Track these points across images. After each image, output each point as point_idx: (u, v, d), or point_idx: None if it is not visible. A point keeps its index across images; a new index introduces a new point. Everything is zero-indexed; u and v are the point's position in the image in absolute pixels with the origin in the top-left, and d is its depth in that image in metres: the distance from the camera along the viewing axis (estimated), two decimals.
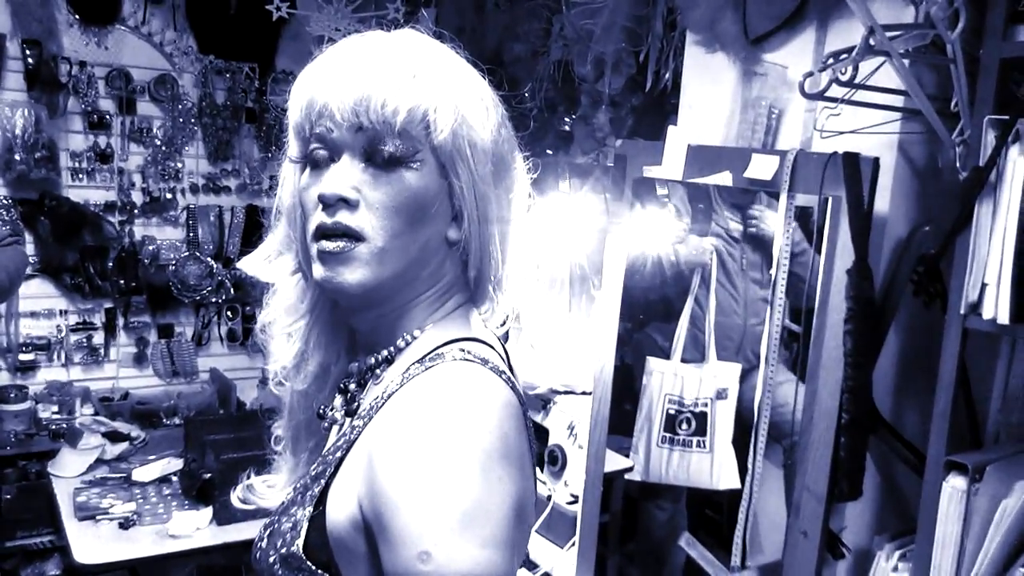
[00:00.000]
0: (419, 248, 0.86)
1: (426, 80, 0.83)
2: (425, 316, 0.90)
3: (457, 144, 0.84)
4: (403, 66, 0.83)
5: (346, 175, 0.83)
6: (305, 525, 0.81)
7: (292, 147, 0.91)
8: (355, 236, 0.83)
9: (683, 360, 2.40)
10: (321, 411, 0.97)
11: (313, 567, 0.80)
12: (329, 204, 0.83)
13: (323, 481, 0.83)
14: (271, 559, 0.83)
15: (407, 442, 0.75)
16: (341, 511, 0.80)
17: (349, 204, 0.83)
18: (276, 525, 0.85)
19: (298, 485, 0.88)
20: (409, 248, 0.85)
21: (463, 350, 0.84)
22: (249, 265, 0.97)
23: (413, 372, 0.83)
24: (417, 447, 0.74)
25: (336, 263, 0.84)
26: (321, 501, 0.82)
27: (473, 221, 0.88)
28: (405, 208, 0.83)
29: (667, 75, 2.78)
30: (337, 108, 0.82)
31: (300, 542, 0.81)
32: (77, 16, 3.45)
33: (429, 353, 0.85)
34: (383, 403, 0.82)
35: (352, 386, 0.94)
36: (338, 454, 0.84)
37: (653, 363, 2.40)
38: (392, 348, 0.90)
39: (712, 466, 2.34)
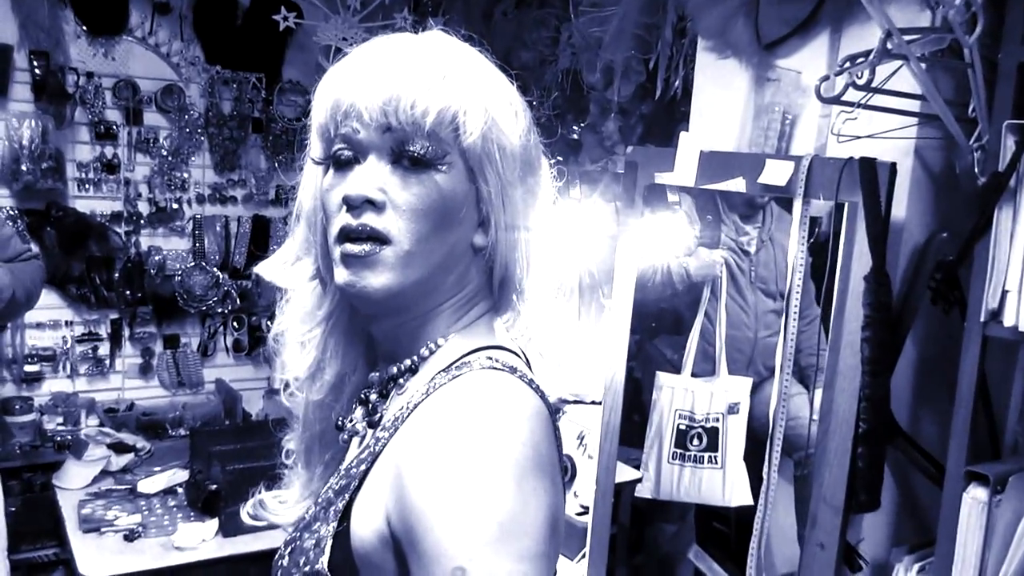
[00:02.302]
0: (445, 253, 0.84)
1: (456, 82, 0.81)
2: (449, 324, 0.88)
3: (486, 148, 0.83)
4: (433, 67, 0.81)
5: (373, 176, 0.82)
6: (329, 542, 0.79)
7: (315, 148, 0.89)
8: (381, 239, 0.81)
9: (693, 374, 2.38)
10: (340, 423, 0.94)
11: None
12: (355, 205, 0.81)
13: (347, 496, 0.80)
14: None
15: (438, 454, 0.73)
16: (367, 526, 0.77)
17: (375, 206, 0.81)
18: (298, 542, 0.82)
19: (320, 500, 0.86)
20: (435, 252, 0.83)
21: (491, 358, 0.82)
22: (266, 270, 0.96)
23: (439, 381, 0.81)
24: (448, 459, 0.72)
25: (361, 267, 0.82)
26: (345, 517, 0.79)
27: (500, 227, 0.86)
28: (433, 211, 0.82)
29: (677, 82, 2.77)
30: (365, 108, 0.81)
31: (325, 559, 0.78)
32: (84, 27, 3.46)
33: (455, 362, 0.83)
34: (409, 414, 0.80)
35: (373, 396, 0.91)
36: (362, 467, 0.81)
37: (663, 378, 2.38)
38: (416, 357, 0.88)
39: (724, 482, 2.31)
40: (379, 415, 0.89)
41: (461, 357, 0.84)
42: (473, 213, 0.85)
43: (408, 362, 0.88)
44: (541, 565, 0.70)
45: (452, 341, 0.87)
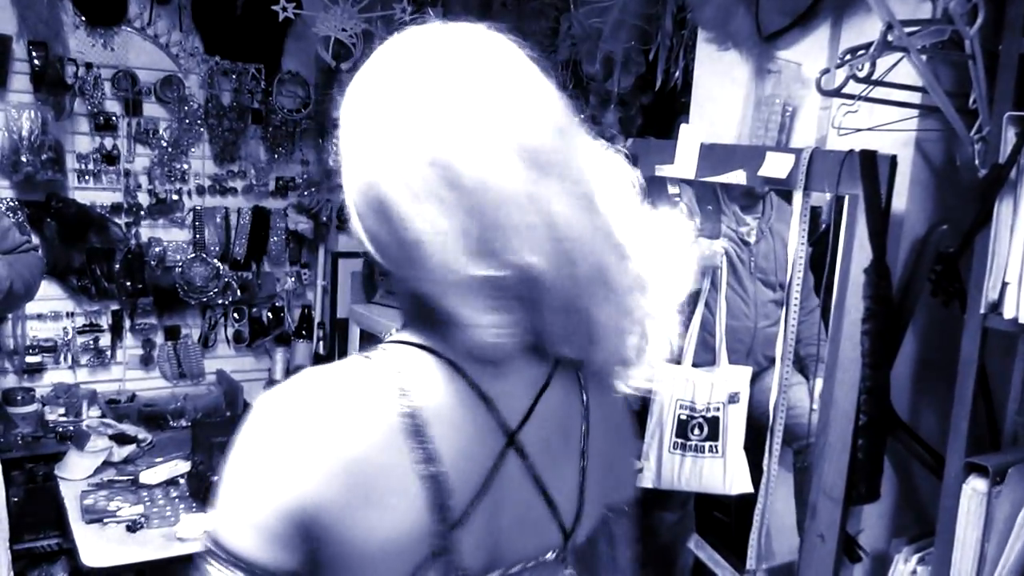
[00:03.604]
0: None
1: None
2: (401, 318, 0.89)
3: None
4: None
5: None
6: None
7: None
8: None
9: (694, 364, 2.38)
10: None
11: None
12: None
13: None
14: None
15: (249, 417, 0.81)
16: None
17: None
18: None
19: None
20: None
21: (383, 349, 0.83)
22: None
23: None
24: (247, 425, 0.80)
25: None
26: None
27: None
28: None
29: (677, 74, 2.76)
30: None
31: None
32: (83, 17, 3.45)
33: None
34: None
35: None
36: None
37: (663, 368, 2.37)
38: None
39: (725, 471, 2.31)
40: None
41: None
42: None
43: None
44: (266, 546, 0.76)
45: (396, 334, 0.88)
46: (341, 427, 0.77)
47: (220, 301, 3.84)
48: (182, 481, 2.80)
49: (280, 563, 0.77)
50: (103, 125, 3.53)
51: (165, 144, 3.65)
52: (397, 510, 0.78)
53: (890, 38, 1.49)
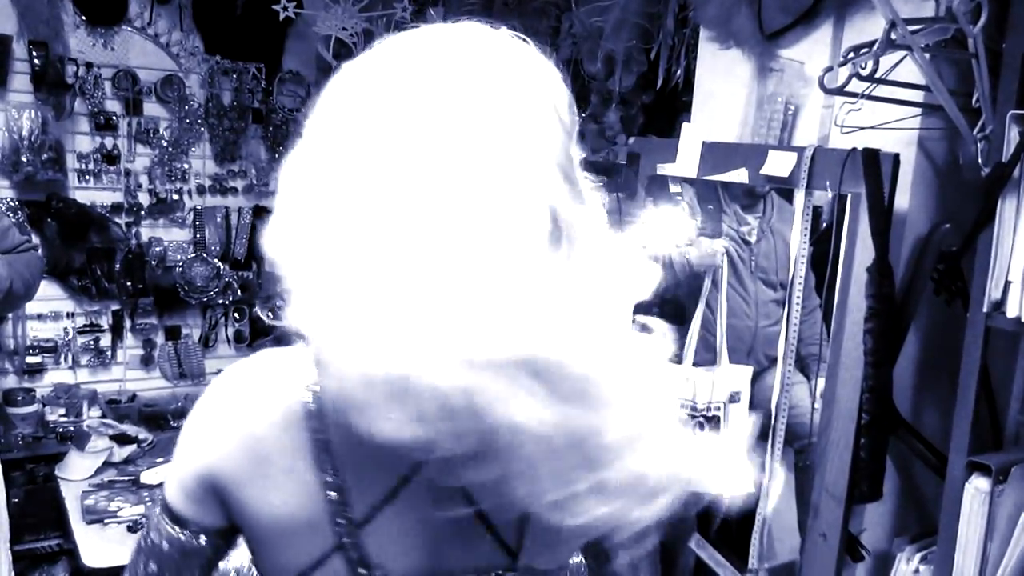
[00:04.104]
0: None
1: None
2: None
3: None
4: None
5: None
6: None
7: None
8: None
9: (694, 364, 2.37)
10: None
11: None
12: None
13: None
14: None
15: None
16: None
17: None
18: None
19: None
20: None
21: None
22: None
23: None
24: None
25: None
26: None
27: None
28: None
29: (679, 72, 2.76)
30: None
31: None
32: (83, 17, 3.44)
33: None
34: None
35: None
36: None
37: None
38: None
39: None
40: None
41: None
42: None
43: None
44: (175, 492, 0.86)
45: None
46: (247, 405, 0.83)
47: (221, 301, 3.83)
48: None
49: (201, 519, 0.86)
50: (103, 125, 3.52)
51: (165, 144, 3.64)
52: (290, 492, 0.81)
53: (893, 36, 1.49)
